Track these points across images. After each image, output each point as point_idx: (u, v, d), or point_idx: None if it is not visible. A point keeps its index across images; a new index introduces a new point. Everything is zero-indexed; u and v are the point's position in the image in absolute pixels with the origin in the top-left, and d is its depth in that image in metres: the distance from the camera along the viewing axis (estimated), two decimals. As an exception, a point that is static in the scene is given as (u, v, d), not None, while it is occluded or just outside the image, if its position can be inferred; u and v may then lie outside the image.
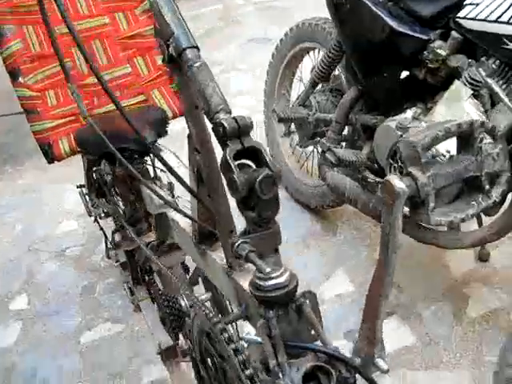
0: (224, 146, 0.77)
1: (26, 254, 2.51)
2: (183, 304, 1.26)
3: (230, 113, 0.80)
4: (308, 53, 2.43)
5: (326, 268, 2.25)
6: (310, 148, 2.42)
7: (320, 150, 2.00)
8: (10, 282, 2.39)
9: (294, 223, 2.49)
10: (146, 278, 1.66)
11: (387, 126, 1.70)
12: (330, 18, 1.95)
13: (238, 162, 0.77)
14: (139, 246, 1.51)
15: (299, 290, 0.80)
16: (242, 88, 3.55)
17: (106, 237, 2.01)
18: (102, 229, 2.02)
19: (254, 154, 0.78)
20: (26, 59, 1.60)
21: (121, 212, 1.79)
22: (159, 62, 1.73)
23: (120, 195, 1.78)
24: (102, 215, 1.93)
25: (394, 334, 1.91)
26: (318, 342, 0.82)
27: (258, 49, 3.97)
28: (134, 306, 1.87)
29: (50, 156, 1.63)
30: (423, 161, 1.24)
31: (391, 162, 1.40)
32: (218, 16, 4.69)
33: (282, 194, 2.61)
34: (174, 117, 1.76)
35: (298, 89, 2.45)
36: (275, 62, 2.56)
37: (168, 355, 1.55)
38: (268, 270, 0.75)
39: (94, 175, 1.82)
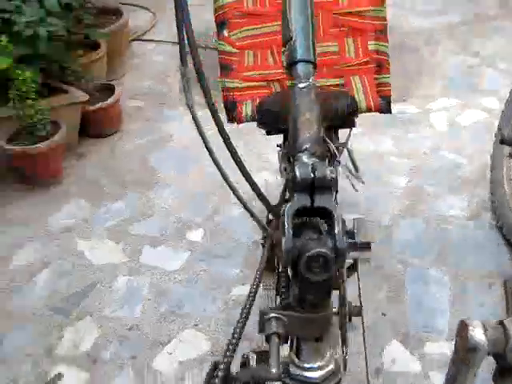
0: (291, 197, 0.63)
1: (219, 191, 2.60)
2: None
3: (316, 156, 0.65)
4: None
5: (501, 316, 1.95)
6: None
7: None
8: (196, 212, 2.52)
9: (487, 254, 2.19)
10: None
11: None
12: None
13: (302, 219, 0.61)
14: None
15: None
16: (493, 88, 3.19)
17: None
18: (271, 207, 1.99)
19: (327, 215, 0.62)
20: (236, 13, 1.58)
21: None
22: (371, 47, 1.59)
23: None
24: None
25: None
26: None
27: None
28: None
29: (231, 116, 1.61)
30: None
31: None
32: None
33: (488, 219, 2.32)
34: (368, 110, 1.61)
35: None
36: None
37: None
38: (274, 370, 0.60)
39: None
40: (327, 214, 0.61)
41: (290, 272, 0.65)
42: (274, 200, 1.57)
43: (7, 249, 2.40)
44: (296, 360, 0.62)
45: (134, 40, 3.96)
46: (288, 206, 0.60)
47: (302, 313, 0.61)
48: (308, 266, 0.56)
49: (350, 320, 1.29)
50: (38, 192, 2.71)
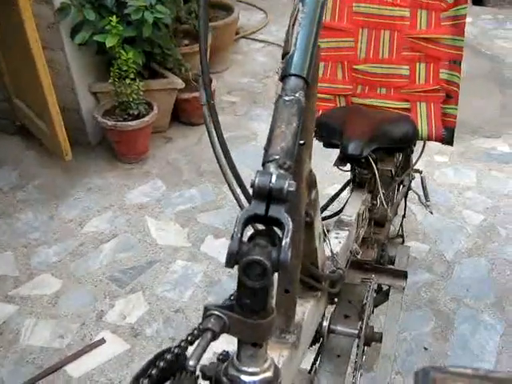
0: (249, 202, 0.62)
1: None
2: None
3: (285, 169, 0.65)
4: None
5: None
6: None
7: None
8: (263, 212, 2.56)
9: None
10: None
11: None
12: None
13: (260, 226, 0.61)
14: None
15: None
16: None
17: None
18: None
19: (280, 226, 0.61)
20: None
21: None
22: (442, 76, 1.55)
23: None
24: None
25: None
26: None
27: None
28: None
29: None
30: None
31: None
32: None
33: None
34: (429, 139, 1.58)
35: None
36: None
37: None
38: (192, 362, 0.59)
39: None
40: (280, 225, 0.62)
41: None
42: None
43: (83, 214, 2.55)
44: (236, 361, 0.64)
45: (241, 37, 4.06)
46: (243, 211, 0.61)
47: (242, 316, 0.64)
48: (244, 271, 0.57)
49: (368, 345, 1.27)
50: (122, 166, 2.85)
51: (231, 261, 0.58)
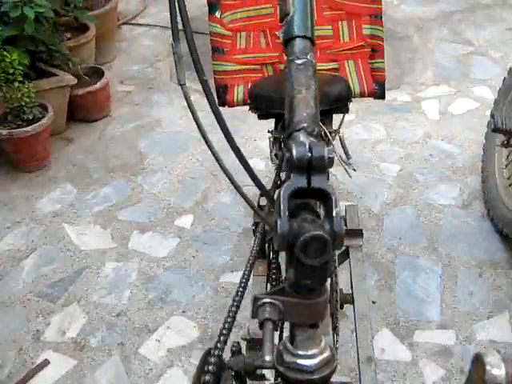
0: (287, 177, 0.58)
1: (208, 177, 2.58)
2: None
3: (314, 136, 0.61)
4: None
5: (491, 305, 1.95)
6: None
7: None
8: (185, 198, 2.49)
9: (478, 243, 2.19)
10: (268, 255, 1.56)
11: None
12: None
13: (297, 202, 0.57)
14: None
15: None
16: (484, 77, 3.18)
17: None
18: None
19: (324, 198, 0.57)
20: (229, -5, 1.55)
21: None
22: (365, 32, 1.56)
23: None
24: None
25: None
26: None
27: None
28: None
29: (223, 99, 1.58)
30: None
31: None
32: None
33: (479, 208, 2.31)
34: (362, 96, 1.59)
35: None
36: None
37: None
38: (268, 358, 0.59)
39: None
40: (323, 196, 0.58)
41: (283, 257, 0.62)
42: (271, 183, 1.56)
43: (-7, 233, 2.36)
44: (290, 347, 0.60)
45: (123, 24, 3.90)
46: (284, 186, 0.57)
47: (298, 298, 0.59)
48: (304, 250, 0.53)
49: (341, 307, 1.27)
50: (25, 176, 2.67)
51: (284, 242, 0.54)
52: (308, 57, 0.68)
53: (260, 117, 1.57)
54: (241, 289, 0.72)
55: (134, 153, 2.79)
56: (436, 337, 1.87)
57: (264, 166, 2.62)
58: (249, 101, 1.53)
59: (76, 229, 2.37)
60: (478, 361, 0.53)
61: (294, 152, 0.55)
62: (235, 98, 1.58)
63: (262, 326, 0.59)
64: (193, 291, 2.07)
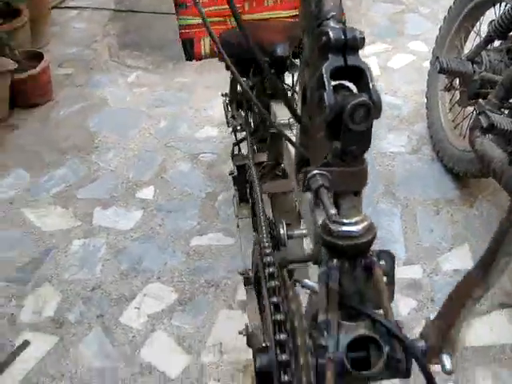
0: (324, 59, 0.65)
1: (163, 149, 2.59)
2: (282, 232, 1.20)
3: (342, 23, 0.68)
4: (494, 5, 2.11)
5: (451, 239, 2.07)
6: (470, 109, 2.17)
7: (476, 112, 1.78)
8: (143, 171, 2.49)
9: (432, 183, 2.30)
10: (251, 198, 1.60)
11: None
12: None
13: (336, 82, 0.65)
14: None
15: (380, 247, 0.67)
16: (418, 33, 3.31)
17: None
18: (237, 142, 1.98)
19: (359, 76, 0.65)
20: None
21: (250, 126, 1.75)
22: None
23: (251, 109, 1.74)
24: (239, 128, 1.89)
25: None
26: (381, 311, 0.71)
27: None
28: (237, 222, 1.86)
29: (189, 53, 1.61)
30: None
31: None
32: None
33: (428, 152, 2.42)
34: None
35: (473, 44, 2.18)
36: (455, 9, 2.29)
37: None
38: (333, 211, 0.64)
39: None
40: (358, 74, 0.65)
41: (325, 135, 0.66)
42: (226, 148, 1.60)
43: (-51, 225, 2.30)
44: (336, 217, 0.64)
45: (53, 8, 3.81)
46: (324, 67, 0.63)
47: (343, 167, 0.66)
48: (352, 116, 0.60)
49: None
50: (-27, 167, 2.60)
51: (332, 112, 0.61)
52: None
53: (228, 68, 1.59)
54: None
55: (84, 133, 2.76)
56: (404, 272, 1.97)
57: (217, 133, 2.65)
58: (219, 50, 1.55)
59: (36, 212, 2.34)
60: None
61: (332, 35, 0.62)
62: (202, 51, 1.61)
63: (317, 192, 0.65)
64: (164, 258, 2.09)
